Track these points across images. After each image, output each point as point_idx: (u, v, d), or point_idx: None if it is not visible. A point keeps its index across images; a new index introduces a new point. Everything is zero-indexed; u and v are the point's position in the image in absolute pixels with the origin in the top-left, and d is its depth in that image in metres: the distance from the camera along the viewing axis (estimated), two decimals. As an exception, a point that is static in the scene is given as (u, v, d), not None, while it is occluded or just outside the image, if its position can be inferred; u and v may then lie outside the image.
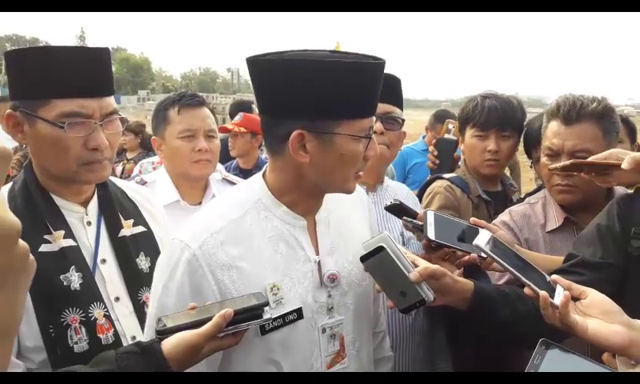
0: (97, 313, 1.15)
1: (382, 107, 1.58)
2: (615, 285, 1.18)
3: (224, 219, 1.05)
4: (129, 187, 1.42)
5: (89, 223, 1.24)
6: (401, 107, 1.64)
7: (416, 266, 1.06)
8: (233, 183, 1.92)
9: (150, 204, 1.42)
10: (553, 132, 1.50)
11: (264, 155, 3.13)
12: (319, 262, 1.10)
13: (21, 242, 0.41)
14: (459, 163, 2.04)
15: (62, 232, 1.16)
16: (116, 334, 1.17)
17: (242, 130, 3.05)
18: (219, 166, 2.14)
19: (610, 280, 1.18)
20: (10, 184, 1.21)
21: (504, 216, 1.62)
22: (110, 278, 1.22)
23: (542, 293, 0.94)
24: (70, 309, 1.12)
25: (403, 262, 1.04)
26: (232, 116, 3.94)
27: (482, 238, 1.06)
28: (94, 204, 1.27)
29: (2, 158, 0.40)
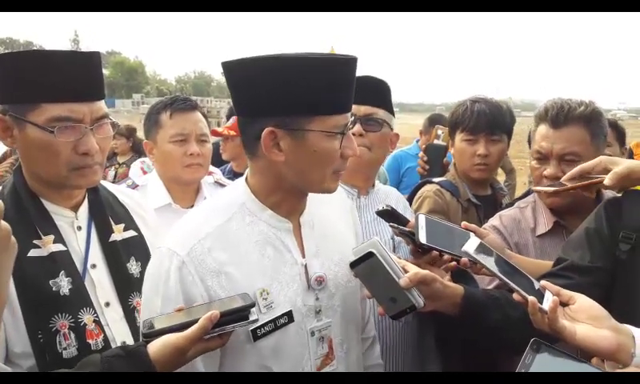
0: (86, 318, 1.14)
1: (362, 109, 1.59)
2: (604, 288, 1.18)
3: (210, 225, 1.05)
4: (120, 191, 1.41)
5: (79, 228, 1.23)
6: (389, 110, 1.65)
7: (406, 271, 1.06)
8: (225, 187, 1.92)
9: (141, 208, 1.41)
10: (541, 135, 1.51)
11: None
12: (306, 265, 1.10)
13: (2, 222, 0.41)
14: (449, 168, 2.05)
15: (52, 237, 1.15)
16: (106, 339, 1.16)
17: (232, 133, 3.07)
18: (216, 170, 2.14)
19: (598, 283, 1.18)
20: None
21: (494, 220, 1.63)
22: (100, 283, 1.21)
23: (531, 298, 0.94)
24: (59, 314, 1.11)
25: (393, 268, 1.04)
26: (229, 119, 3.95)
27: (471, 244, 1.06)
28: (84, 208, 1.26)
29: None
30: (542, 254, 1.52)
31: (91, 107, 1.16)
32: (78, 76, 1.14)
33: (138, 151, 4.89)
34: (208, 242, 1.02)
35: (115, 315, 1.21)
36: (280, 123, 0.99)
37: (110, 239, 1.26)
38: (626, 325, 0.93)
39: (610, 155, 1.40)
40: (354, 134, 1.53)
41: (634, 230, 1.16)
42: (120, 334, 1.19)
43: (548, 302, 0.95)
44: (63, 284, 1.13)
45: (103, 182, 1.35)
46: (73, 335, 1.11)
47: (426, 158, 2.19)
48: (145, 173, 2.70)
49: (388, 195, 1.74)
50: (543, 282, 1.01)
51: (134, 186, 1.83)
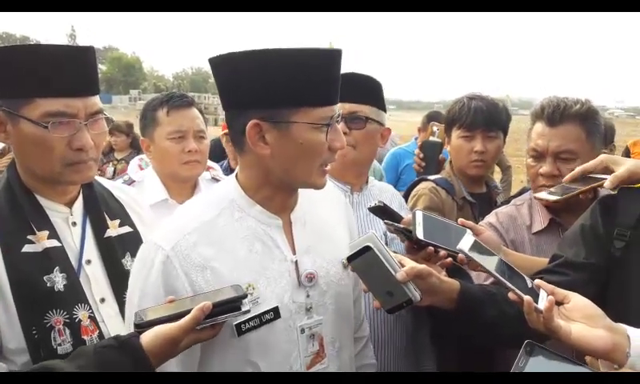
0: (81, 314, 1.14)
1: (346, 107, 1.59)
2: (599, 285, 1.19)
3: (197, 221, 1.05)
4: (115, 187, 1.41)
5: (74, 223, 1.23)
6: (377, 106, 1.64)
7: (403, 265, 1.06)
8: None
9: (136, 204, 1.41)
10: (537, 133, 1.52)
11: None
12: (296, 262, 1.10)
13: None
14: (445, 165, 2.06)
15: (46, 232, 1.15)
16: (101, 335, 1.16)
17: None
18: (216, 166, 2.14)
19: (593, 280, 1.19)
20: None
21: (490, 217, 1.64)
22: (96, 278, 1.21)
23: (526, 298, 0.94)
24: (54, 310, 1.10)
25: (390, 262, 1.04)
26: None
27: (466, 242, 1.06)
28: (79, 204, 1.25)
29: None
30: (537, 252, 1.53)
31: (86, 102, 1.15)
32: (73, 71, 1.13)
33: (136, 147, 4.87)
34: (194, 237, 1.02)
35: (110, 311, 1.20)
36: (265, 116, 0.99)
37: (105, 235, 1.26)
38: (620, 324, 0.93)
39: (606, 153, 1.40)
40: None
41: (629, 227, 1.17)
42: (115, 330, 1.19)
43: (543, 301, 0.95)
44: (58, 280, 1.12)
45: (98, 178, 1.34)
46: (68, 331, 1.11)
47: (422, 155, 2.19)
48: (142, 169, 2.69)
49: (382, 192, 1.74)
50: (538, 281, 1.01)
51: (131, 182, 1.83)
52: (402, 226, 1.26)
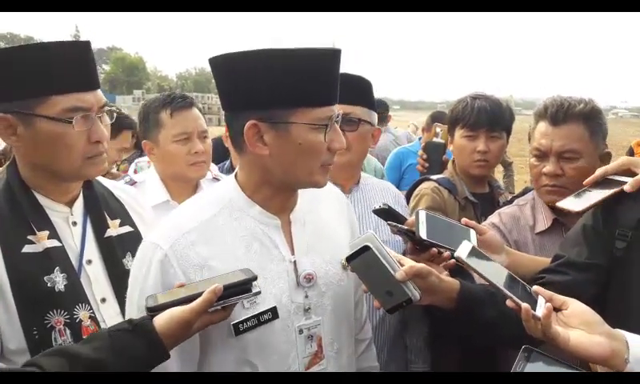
0: (82, 314, 1.14)
1: (338, 108, 1.58)
2: (600, 285, 1.18)
3: (195, 220, 1.05)
4: (115, 187, 1.41)
5: (74, 223, 1.23)
6: (368, 106, 1.63)
7: (402, 265, 1.05)
8: None
9: (137, 204, 1.41)
10: (541, 133, 1.51)
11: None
12: (295, 262, 1.09)
13: None
14: (448, 166, 2.05)
15: (47, 232, 1.15)
16: (102, 335, 1.16)
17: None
18: (212, 166, 2.14)
19: (595, 280, 1.18)
20: None
21: (493, 218, 1.63)
22: (96, 278, 1.21)
23: (524, 305, 0.94)
24: (55, 310, 1.10)
25: (389, 261, 1.04)
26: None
27: (464, 249, 1.06)
28: (79, 204, 1.25)
29: None
30: (541, 252, 1.52)
31: (96, 96, 1.17)
32: (81, 65, 1.14)
33: (141, 148, 4.87)
34: (192, 236, 1.02)
35: (111, 311, 1.20)
36: (263, 116, 0.99)
37: (106, 235, 1.26)
38: (619, 330, 0.93)
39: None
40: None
41: (630, 227, 1.16)
42: (116, 330, 1.20)
43: (541, 308, 0.94)
44: (58, 280, 1.12)
45: (98, 178, 1.34)
46: (68, 331, 1.11)
47: (425, 156, 2.18)
48: (136, 174, 2.69)
49: (376, 191, 1.73)
50: (536, 288, 1.00)
51: (132, 183, 1.83)
52: (405, 227, 1.25)
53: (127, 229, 1.31)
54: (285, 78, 0.97)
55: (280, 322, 1.05)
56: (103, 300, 1.20)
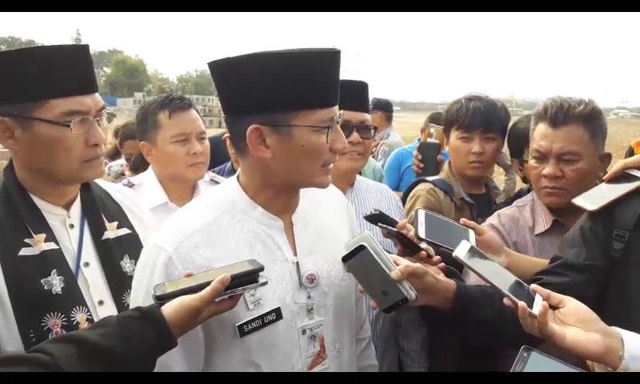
0: (79, 317, 1.13)
1: (357, 116, 1.61)
2: (598, 286, 1.18)
3: (198, 222, 1.05)
4: (113, 189, 1.41)
5: (71, 226, 1.22)
6: (368, 112, 1.69)
7: (398, 264, 1.06)
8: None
9: (135, 206, 1.41)
10: (540, 134, 1.50)
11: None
12: (297, 263, 1.10)
13: None
14: (443, 167, 2.05)
15: (43, 235, 1.14)
16: (99, 338, 1.15)
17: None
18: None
19: (592, 282, 1.18)
20: None
21: (493, 219, 1.62)
22: (94, 281, 1.21)
23: (521, 303, 0.95)
24: (52, 313, 1.10)
25: (385, 261, 1.04)
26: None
27: (462, 249, 1.06)
28: (76, 206, 1.25)
29: None
30: (540, 253, 1.51)
31: (94, 99, 1.17)
32: (80, 69, 1.15)
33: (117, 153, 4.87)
34: (196, 239, 1.03)
35: (109, 314, 1.19)
36: (264, 120, 1.00)
37: (104, 237, 1.25)
38: (615, 327, 0.94)
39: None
40: (351, 143, 1.56)
41: (627, 228, 1.16)
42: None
43: (538, 306, 0.95)
44: (55, 283, 1.12)
45: (96, 180, 1.34)
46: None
47: (420, 157, 2.18)
48: (109, 177, 2.69)
49: (370, 193, 1.74)
50: (533, 286, 1.01)
51: (130, 185, 1.83)
52: (394, 229, 1.26)
53: (125, 231, 1.31)
54: (285, 81, 0.97)
55: (283, 322, 1.05)
56: (101, 302, 1.20)
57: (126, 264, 1.26)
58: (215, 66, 1.04)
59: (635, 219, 1.15)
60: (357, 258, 1.04)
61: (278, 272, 1.07)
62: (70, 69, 1.12)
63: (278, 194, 1.09)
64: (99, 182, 1.38)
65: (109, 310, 1.20)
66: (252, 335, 1.02)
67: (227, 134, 3.26)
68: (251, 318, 1.02)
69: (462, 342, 1.57)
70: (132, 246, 1.29)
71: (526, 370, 0.85)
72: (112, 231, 1.28)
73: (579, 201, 1.27)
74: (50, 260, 1.13)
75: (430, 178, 1.92)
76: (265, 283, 0.97)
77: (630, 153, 2.97)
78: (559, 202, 1.51)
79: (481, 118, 1.83)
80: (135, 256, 1.26)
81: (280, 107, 0.99)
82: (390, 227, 1.26)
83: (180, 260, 1.00)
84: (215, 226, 1.05)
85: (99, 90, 1.24)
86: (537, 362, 0.85)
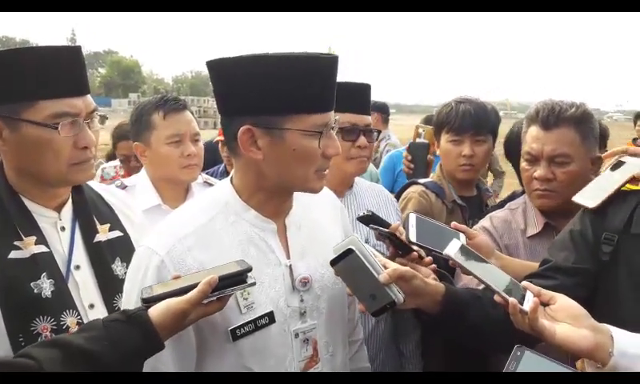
0: (69, 321, 1.13)
1: (363, 119, 1.61)
2: (588, 290, 1.18)
3: (192, 225, 1.05)
4: (105, 190, 1.40)
5: (62, 228, 1.21)
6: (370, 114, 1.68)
7: (386, 268, 1.05)
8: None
9: (127, 208, 1.40)
10: (532, 137, 1.51)
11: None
12: (290, 266, 1.10)
13: None
14: (434, 167, 2.06)
15: (34, 238, 1.14)
16: (89, 341, 1.14)
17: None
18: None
19: (582, 285, 1.19)
20: None
21: (485, 221, 1.63)
22: (85, 284, 1.20)
23: (511, 299, 0.95)
24: (41, 317, 1.09)
25: (373, 264, 1.04)
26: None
27: (453, 247, 1.06)
28: (68, 208, 1.24)
29: None
30: (532, 256, 1.52)
31: (85, 101, 1.16)
32: (71, 70, 1.14)
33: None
34: (188, 242, 1.02)
35: (100, 317, 1.19)
36: (257, 121, 0.99)
37: (95, 240, 1.24)
38: (605, 324, 0.95)
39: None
40: (359, 147, 1.57)
41: (616, 231, 1.16)
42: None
43: (529, 302, 0.96)
44: (45, 286, 1.11)
45: (88, 181, 1.33)
46: None
47: (410, 158, 2.19)
48: (103, 179, 2.68)
49: (369, 194, 1.74)
50: (524, 283, 1.02)
51: (123, 187, 1.82)
52: (387, 231, 1.26)
53: (117, 233, 1.30)
54: (278, 84, 0.97)
55: (276, 326, 1.05)
56: (91, 306, 1.19)
57: (117, 267, 1.25)
58: (212, 65, 1.04)
59: (624, 222, 1.16)
60: (345, 262, 1.04)
61: (270, 275, 1.07)
62: (61, 70, 1.11)
63: (270, 197, 1.08)
64: (91, 183, 1.37)
65: (100, 313, 1.19)
66: (245, 339, 1.02)
67: (219, 137, 3.27)
68: (244, 322, 1.01)
69: (450, 344, 1.57)
70: (124, 248, 1.29)
71: (518, 370, 0.85)
72: (104, 234, 1.27)
73: (578, 198, 1.27)
74: (40, 263, 1.12)
75: (422, 181, 1.93)
76: (253, 284, 0.96)
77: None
78: (550, 204, 1.52)
79: (471, 121, 1.84)
80: (127, 259, 1.25)
81: (273, 110, 0.98)
82: (381, 229, 1.27)
83: (173, 263, 1.00)
84: (208, 229, 1.05)
85: (94, 90, 1.24)
86: (530, 362, 0.86)
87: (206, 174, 2.29)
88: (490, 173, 4.58)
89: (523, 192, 1.81)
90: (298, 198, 1.14)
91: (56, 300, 1.12)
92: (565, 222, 1.45)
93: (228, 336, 1.01)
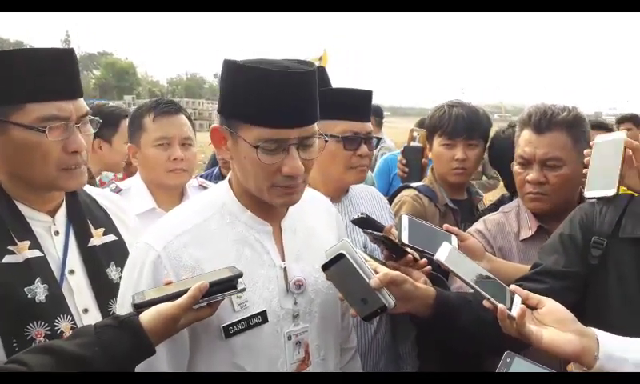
0: (63, 326, 1.12)
1: (365, 127, 1.60)
2: (578, 293, 1.20)
3: (188, 223, 1.06)
4: (100, 194, 1.39)
5: (56, 233, 1.21)
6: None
7: (377, 272, 1.06)
8: None
9: (122, 212, 1.39)
10: (525, 140, 1.52)
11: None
12: (285, 269, 1.10)
13: None
14: (427, 171, 2.07)
15: (28, 242, 1.13)
16: (83, 346, 1.14)
17: None
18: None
19: (572, 288, 1.20)
20: None
21: (478, 224, 1.64)
22: (79, 289, 1.19)
23: (500, 306, 0.97)
24: (35, 322, 1.08)
25: (364, 269, 1.05)
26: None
27: (443, 252, 1.07)
28: (62, 213, 1.24)
29: None
30: (525, 259, 1.53)
31: (76, 105, 1.15)
32: (62, 74, 1.12)
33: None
34: (185, 239, 1.04)
35: (94, 322, 1.18)
36: (224, 122, 1.04)
37: (89, 244, 1.24)
38: (591, 328, 0.96)
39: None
40: (360, 156, 1.55)
41: (605, 235, 1.18)
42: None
43: (517, 307, 0.97)
44: (39, 291, 1.10)
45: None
46: None
47: (404, 161, 2.20)
48: (102, 183, 2.67)
49: (365, 198, 1.75)
50: (512, 287, 1.03)
51: (117, 190, 1.81)
52: (380, 234, 1.26)
53: (111, 238, 1.30)
54: (239, 92, 1.00)
55: (269, 326, 1.06)
56: (85, 310, 1.18)
57: (112, 271, 1.25)
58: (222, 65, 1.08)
59: (613, 226, 1.17)
60: (336, 266, 1.04)
61: (264, 276, 1.07)
62: (52, 73, 1.10)
63: (257, 200, 1.09)
64: (86, 187, 1.36)
65: (94, 318, 1.18)
66: (237, 337, 1.03)
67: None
68: (237, 319, 1.02)
69: (442, 346, 1.58)
70: (118, 253, 1.28)
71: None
72: (98, 238, 1.26)
73: (592, 194, 1.24)
74: (33, 268, 1.11)
75: (414, 184, 1.94)
76: (243, 290, 0.97)
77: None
78: (543, 207, 1.53)
79: (464, 125, 1.85)
80: (121, 263, 1.24)
81: (235, 115, 1.02)
82: (375, 232, 1.27)
83: (169, 259, 1.01)
84: (204, 228, 1.06)
85: (88, 92, 1.23)
86: (519, 368, 0.87)
87: (201, 177, 2.28)
88: (484, 176, 4.60)
89: (512, 196, 1.83)
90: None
91: (50, 305, 1.11)
92: (558, 225, 1.47)
93: (220, 333, 1.02)
